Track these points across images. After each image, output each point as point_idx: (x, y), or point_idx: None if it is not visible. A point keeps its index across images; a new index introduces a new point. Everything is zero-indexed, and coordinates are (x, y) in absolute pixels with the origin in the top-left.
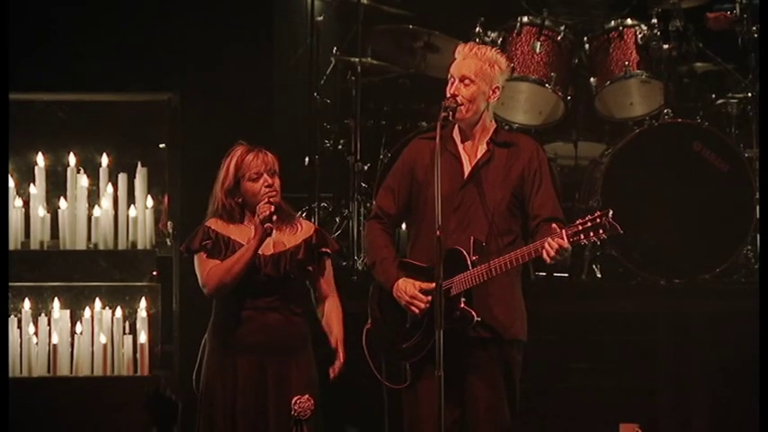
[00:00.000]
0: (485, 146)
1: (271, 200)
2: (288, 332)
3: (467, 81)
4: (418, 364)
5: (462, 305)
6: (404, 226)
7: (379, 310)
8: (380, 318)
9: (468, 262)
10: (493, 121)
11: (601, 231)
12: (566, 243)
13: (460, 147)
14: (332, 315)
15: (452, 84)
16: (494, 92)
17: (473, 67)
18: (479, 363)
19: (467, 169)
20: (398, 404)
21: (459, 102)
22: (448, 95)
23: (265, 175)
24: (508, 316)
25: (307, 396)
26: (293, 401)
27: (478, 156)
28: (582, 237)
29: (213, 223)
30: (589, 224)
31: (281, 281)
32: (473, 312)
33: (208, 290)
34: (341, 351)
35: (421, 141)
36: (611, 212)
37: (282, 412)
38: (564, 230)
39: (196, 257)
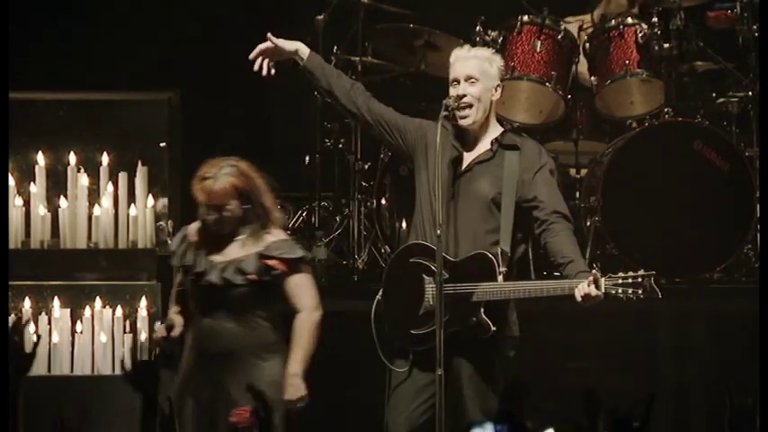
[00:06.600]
0: (488, 144)
1: None
2: (247, 339)
3: (472, 80)
4: (419, 354)
5: (482, 314)
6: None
7: (394, 286)
8: (394, 295)
9: (498, 273)
10: (497, 124)
11: (640, 291)
12: (601, 293)
13: (462, 142)
14: (295, 332)
15: (457, 86)
16: (496, 90)
17: (476, 66)
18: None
19: (465, 163)
20: None
21: (469, 102)
22: (453, 96)
23: None
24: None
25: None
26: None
27: (480, 152)
28: (619, 291)
29: None
30: (630, 281)
31: (231, 289)
32: (490, 323)
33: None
34: (296, 382)
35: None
36: (653, 274)
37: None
38: (603, 279)
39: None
